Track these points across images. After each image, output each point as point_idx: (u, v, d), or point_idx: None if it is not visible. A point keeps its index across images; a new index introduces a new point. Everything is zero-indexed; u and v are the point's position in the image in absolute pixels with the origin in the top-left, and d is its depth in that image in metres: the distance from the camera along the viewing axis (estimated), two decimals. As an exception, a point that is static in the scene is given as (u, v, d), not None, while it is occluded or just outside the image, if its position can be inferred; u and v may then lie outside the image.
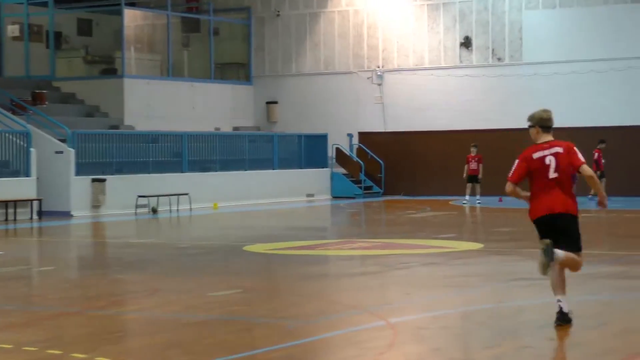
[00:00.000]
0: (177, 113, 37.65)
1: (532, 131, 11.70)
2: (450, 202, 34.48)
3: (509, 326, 11.28)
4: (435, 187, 38.09)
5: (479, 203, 33.15)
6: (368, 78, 40.02)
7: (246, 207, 32.85)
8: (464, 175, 33.78)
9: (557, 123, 37.18)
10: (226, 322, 11.47)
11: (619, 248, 19.48)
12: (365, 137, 40.06)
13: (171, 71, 39.13)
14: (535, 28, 37.19)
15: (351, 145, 40.11)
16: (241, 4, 42.21)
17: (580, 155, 11.07)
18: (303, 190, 37.51)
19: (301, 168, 38.22)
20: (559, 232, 11.09)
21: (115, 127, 34.95)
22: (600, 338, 10.39)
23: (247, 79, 42.18)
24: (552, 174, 11.10)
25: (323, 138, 39.45)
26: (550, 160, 11.13)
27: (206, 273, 16.23)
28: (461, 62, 38.53)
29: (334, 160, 39.67)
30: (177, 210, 31.36)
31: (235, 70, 42.63)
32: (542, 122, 11.69)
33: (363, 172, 39.36)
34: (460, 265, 16.80)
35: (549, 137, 11.43)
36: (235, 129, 39.59)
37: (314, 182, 38.30)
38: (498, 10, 37.79)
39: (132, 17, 39.67)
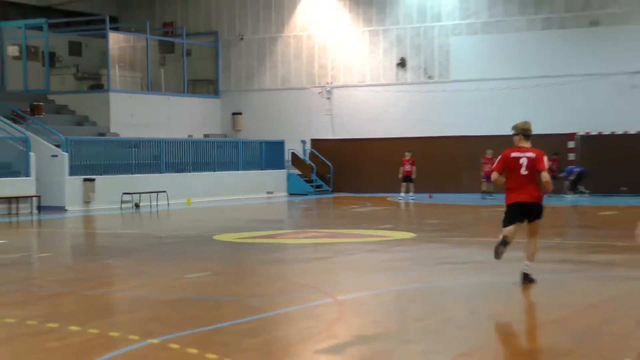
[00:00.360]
0: (156, 122, 37.55)
1: (516, 138, 12.85)
2: (388, 199, 34.59)
3: (436, 303, 11.40)
4: (376, 185, 38.24)
5: (412, 199, 33.34)
6: (319, 93, 40.06)
7: (215, 203, 32.80)
8: (400, 175, 33.99)
9: (479, 131, 37.50)
10: (198, 300, 11.49)
11: (526, 237, 19.59)
12: (317, 143, 40.12)
13: (150, 86, 38.98)
14: (460, 51, 37.42)
15: (304, 150, 40.14)
16: (210, 28, 42.12)
17: (545, 163, 12.31)
18: (263, 188, 37.51)
19: (262, 169, 38.19)
20: (525, 214, 12.44)
21: (103, 134, 34.80)
22: (511, 312, 10.51)
23: (215, 93, 42.08)
24: (524, 172, 12.31)
25: (280, 144, 39.47)
26: (523, 162, 12.34)
27: (181, 258, 16.21)
28: (397, 79, 38.68)
29: (290, 163, 39.69)
30: (157, 205, 31.25)
31: (205, 85, 42.50)
32: (523, 131, 12.90)
33: (314, 173, 39.44)
34: (396, 251, 16.83)
35: (527, 144, 12.60)
36: (206, 136, 39.51)
37: (273, 181, 38.33)
38: (429, 35, 37.99)
39: (116, 40, 39.54)
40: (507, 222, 12.55)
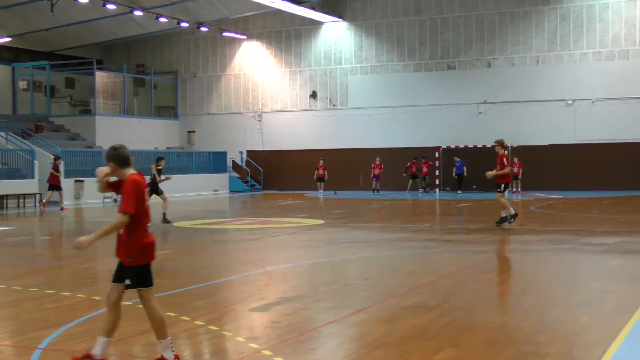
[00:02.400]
0: (130, 138, 36.93)
1: (498, 148, 16.85)
2: (304, 195, 34.64)
3: (339, 272, 11.41)
4: (295, 184, 38.26)
5: (321, 195, 33.45)
6: (252, 116, 39.90)
7: (176, 198, 32.38)
8: (315, 177, 34.11)
9: (371, 145, 37.32)
10: (162, 271, 11.28)
11: (405, 222, 19.84)
12: (251, 153, 39.95)
13: (126, 111, 38.34)
14: (356, 86, 37.61)
15: (242, 159, 39.94)
16: (171, 68, 41.65)
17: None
18: (211, 187, 37.19)
19: (210, 173, 37.87)
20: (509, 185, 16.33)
21: (90, 147, 34.06)
22: (394, 278, 10.57)
23: (175, 116, 41.60)
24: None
25: (224, 154, 39.19)
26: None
27: (150, 240, 15.95)
28: (310, 107, 38.71)
29: (231, 168, 39.46)
30: (131, 200, 30.69)
31: (167, 110, 41.99)
32: (502, 144, 16.98)
33: (249, 175, 39.28)
34: (310, 233, 16.83)
35: (503, 151, 16.56)
36: (168, 148, 39.02)
37: (218, 182, 38.03)
38: (333, 74, 38.11)
39: (100, 77, 38.76)
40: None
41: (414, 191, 34.32)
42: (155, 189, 19.16)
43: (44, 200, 25.50)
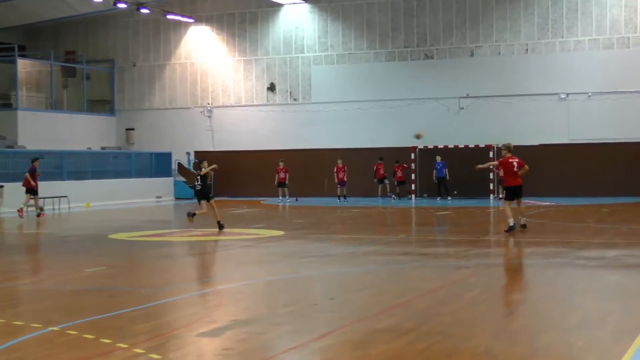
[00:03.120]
0: (59, 137, 36.61)
1: (504, 152, 18.81)
2: (261, 202, 34.58)
3: (301, 290, 11.39)
4: (250, 190, 38.18)
5: (288, 202, 33.47)
6: (201, 112, 39.78)
7: (111, 206, 32.17)
8: (275, 182, 34.08)
9: (338, 145, 37.50)
10: (96, 291, 11.19)
11: (376, 233, 19.89)
12: (200, 154, 39.70)
13: (54, 106, 37.95)
14: (320, 78, 37.73)
15: (189, 160, 39.75)
16: (107, 57, 41.36)
17: (523, 162, 18.75)
18: (154, 193, 36.96)
19: (152, 177, 37.64)
20: (518, 193, 18.77)
21: (11, 147, 33.63)
22: (363, 297, 10.57)
23: (111, 112, 41.31)
24: (515, 169, 18.55)
25: (168, 155, 38.98)
26: (514, 163, 18.58)
27: (81, 255, 15.77)
28: (268, 101, 38.72)
29: (176, 171, 39.25)
30: (59, 208, 30.40)
31: (102, 105, 41.68)
32: (509, 149, 18.85)
33: (198, 180, 39.06)
34: (267, 247, 16.80)
35: (509, 154, 18.67)
36: (103, 148, 38.73)
37: (162, 187, 37.80)
38: (294, 64, 38.17)
39: (23, 65, 38.34)
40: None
41: (386, 197, 34.51)
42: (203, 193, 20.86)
43: (22, 206, 26.40)
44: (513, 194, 18.84)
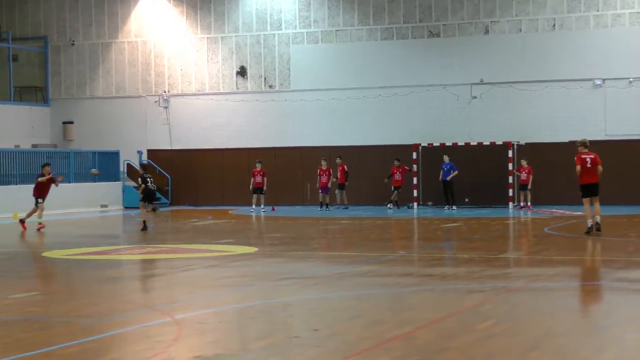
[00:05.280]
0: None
1: (580, 147, 21.48)
2: (229, 211, 34.56)
3: (278, 319, 11.40)
4: (216, 197, 38.16)
5: (263, 212, 33.48)
6: (155, 102, 39.75)
7: (45, 217, 32.00)
8: (251, 187, 34.06)
9: (319, 142, 37.79)
10: (24, 322, 11.13)
11: (370, 250, 19.91)
12: (154, 153, 39.74)
13: (-27, 93, 37.86)
14: (301, 60, 37.77)
15: (141, 161, 39.66)
16: (38, 33, 41.23)
17: (598, 159, 21.29)
18: (97, 201, 36.89)
19: (95, 181, 37.56)
20: (592, 190, 21.19)
21: None
22: (354, 328, 10.58)
23: (44, 101, 41.20)
24: (589, 165, 21.13)
25: (115, 155, 38.93)
26: (588, 159, 21.19)
27: (6, 277, 15.66)
28: (237, 88, 38.74)
29: (125, 174, 39.18)
30: (-20, 220, 30.31)
31: (33, 93, 41.55)
32: (584, 144, 21.49)
33: (151, 185, 39.03)
34: (237, 266, 16.77)
35: (586, 150, 21.34)
36: (34, 146, 38.59)
37: (108, 194, 37.72)
38: (269, 43, 38.22)
39: (-64, 44, 38.25)
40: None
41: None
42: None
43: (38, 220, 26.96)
44: (586, 191, 21.29)
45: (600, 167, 21.29)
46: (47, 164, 27.66)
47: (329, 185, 34.28)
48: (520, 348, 9.42)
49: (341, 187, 34.90)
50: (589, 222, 21.20)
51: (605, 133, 34.26)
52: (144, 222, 25.44)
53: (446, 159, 33.90)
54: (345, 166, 34.78)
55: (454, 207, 33.51)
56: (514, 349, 9.40)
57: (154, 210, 27.26)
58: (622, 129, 34.00)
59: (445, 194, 34.01)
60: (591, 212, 21.25)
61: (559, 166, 34.31)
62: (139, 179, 26.23)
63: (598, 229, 21.20)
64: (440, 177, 33.97)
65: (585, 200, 21.32)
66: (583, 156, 21.31)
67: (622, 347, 9.35)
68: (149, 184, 25.51)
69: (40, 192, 26.99)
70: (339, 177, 34.82)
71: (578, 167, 21.22)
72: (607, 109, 34.42)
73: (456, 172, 33.57)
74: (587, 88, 34.66)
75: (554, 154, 34.45)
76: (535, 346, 9.40)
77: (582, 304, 12.18)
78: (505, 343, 9.61)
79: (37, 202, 26.94)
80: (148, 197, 25.63)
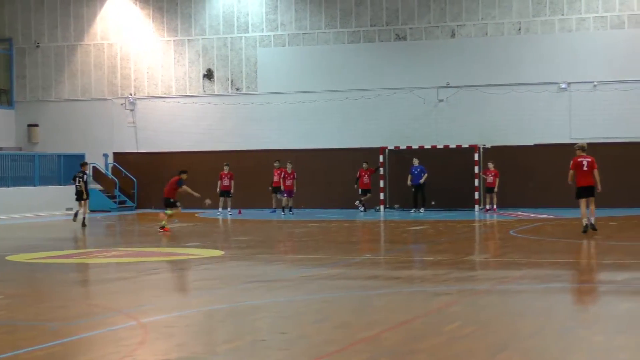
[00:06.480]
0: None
1: (578, 151, 22.48)
2: (196, 215, 34.45)
3: (246, 323, 11.38)
4: (183, 201, 37.95)
5: (230, 215, 33.41)
6: (122, 104, 39.59)
7: (9, 221, 31.82)
8: (218, 190, 33.94)
9: (290, 145, 37.59)
10: (-9, 326, 11.10)
11: (337, 253, 19.92)
12: (120, 157, 39.57)
13: (-63, 96, 37.53)
14: (268, 63, 37.76)
15: (107, 164, 39.52)
16: (2, 35, 40.97)
17: (595, 163, 22.28)
18: (63, 204, 36.64)
19: (61, 185, 37.33)
20: (588, 192, 22.03)
21: None
22: (322, 331, 10.58)
23: (8, 103, 40.92)
24: (585, 168, 22.08)
25: (81, 158, 38.60)
26: (585, 162, 22.12)
27: (-29, 282, 15.61)
28: (204, 91, 38.66)
29: (91, 178, 38.93)
30: (-57, 224, 30.03)
31: (-3, 95, 41.34)
32: (582, 148, 22.48)
33: (118, 188, 38.88)
34: (203, 270, 16.75)
35: (583, 154, 22.36)
36: (-1, 149, 38.37)
37: (73, 197, 37.41)
38: (236, 46, 38.17)
39: None
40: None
41: (278, 211, 34.40)
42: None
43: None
44: (583, 193, 22.29)
45: (596, 171, 22.40)
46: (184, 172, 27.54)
47: (294, 189, 34.18)
48: (488, 350, 9.45)
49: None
50: (584, 222, 22.14)
51: (570, 136, 34.45)
52: (76, 213, 28.97)
53: (416, 162, 33.99)
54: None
55: (422, 210, 33.58)
56: (481, 350, 9.43)
57: (76, 215, 29.11)
58: (586, 132, 34.17)
59: (415, 197, 34.04)
60: (587, 213, 22.14)
61: (525, 169, 34.54)
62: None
63: (594, 229, 22.10)
64: (410, 180, 33.97)
65: (582, 202, 22.29)
66: (580, 159, 22.41)
67: (589, 349, 9.40)
68: (77, 183, 28.39)
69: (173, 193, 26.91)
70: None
71: (571, 172, 22.38)
72: (572, 113, 34.64)
73: (427, 175, 33.66)
74: (552, 91, 34.88)
75: (519, 157, 34.65)
76: (503, 348, 9.43)
77: (548, 305, 12.24)
78: (472, 345, 9.64)
79: (175, 205, 26.83)
80: (77, 196, 28.87)
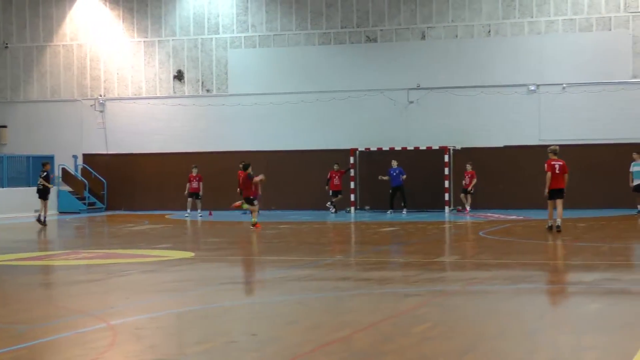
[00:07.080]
0: None
1: (550, 154, 23.13)
2: (166, 216, 34.37)
3: (217, 324, 11.37)
4: (152, 202, 37.93)
5: (200, 217, 33.34)
6: (91, 105, 39.44)
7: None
8: (186, 192, 33.83)
9: (260, 147, 37.68)
10: (-42, 329, 11.02)
11: (308, 254, 19.93)
12: (89, 158, 39.41)
13: None
14: (239, 64, 37.75)
15: (76, 166, 39.34)
16: (-28, 36, 40.71)
17: (566, 167, 23.06)
18: (31, 206, 36.39)
19: (29, 186, 37.08)
20: (558, 194, 22.90)
21: None
22: (293, 332, 10.59)
23: (-23, 104, 40.68)
24: (557, 171, 22.83)
25: (50, 159, 38.42)
26: (557, 166, 22.88)
27: (-62, 284, 15.49)
28: (174, 92, 38.58)
29: (60, 179, 38.80)
30: None
31: (-34, 96, 41.05)
32: (554, 152, 23.18)
33: (87, 189, 38.72)
34: (174, 271, 16.72)
35: (555, 157, 22.97)
36: (-33, 150, 38.11)
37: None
38: (207, 47, 38.12)
39: None
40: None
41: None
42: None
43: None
44: (552, 194, 23.19)
45: (567, 175, 23.39)
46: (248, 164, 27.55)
47: (259, 192, 34.08)
48: (456, 351, 9.50)
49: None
50: (550, 222, 23.42)
51: (539, 138, 34.67)
52: (39, 215, 30.00)
53: (394, 164, 34.02)
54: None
55: (404, 212, 33.60)
56: (449, 351, 9.47)
57: (38, 220, 29.98)
58: (555, 134, 34.38)
59: (391, 199, 34.01)
60: (553, 214, 23.27)
61: (495, 171, 34.69)
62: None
63: (558, 230, 22.87)
64: (389, 181, 33.96)
65: (550, 203, 23.37)
66: (552, 162, 23.24)
67: (555, 349, 9.46)
68: (38, 182, 30.33)
69: (250, 191, 26.90)
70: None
71: (548, 174, 23.13)
72: (541, 115, 34.85)
73: (405, 176, 33.70)
74: (521, 93, 35.07)
75: (489, 159, 34.81)
76: (470, 349, 9.47)
77: (516, 306, 12.31)
78: (440, 346, 9.68)
79: (252, 202, 26.87)
80: (38, 194, 30.45)
